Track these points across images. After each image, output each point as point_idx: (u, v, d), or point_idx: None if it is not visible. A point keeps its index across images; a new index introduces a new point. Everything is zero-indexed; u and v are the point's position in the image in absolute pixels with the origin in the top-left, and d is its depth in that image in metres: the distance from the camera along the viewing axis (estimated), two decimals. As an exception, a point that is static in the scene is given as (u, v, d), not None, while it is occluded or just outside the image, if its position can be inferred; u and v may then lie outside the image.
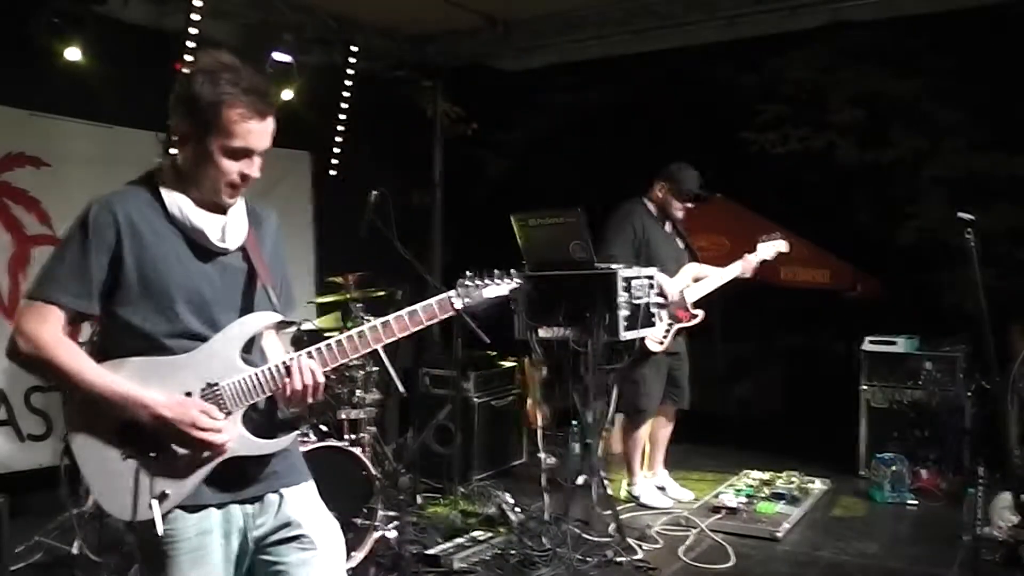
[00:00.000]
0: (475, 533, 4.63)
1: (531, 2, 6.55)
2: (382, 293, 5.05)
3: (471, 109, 8.48)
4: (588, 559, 4.35)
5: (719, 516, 5.02)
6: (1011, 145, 7.49)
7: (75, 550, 4.05)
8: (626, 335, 4.67)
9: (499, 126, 9.81)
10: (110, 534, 4.06)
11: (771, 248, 5.71)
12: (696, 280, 5.50)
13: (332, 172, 7.19)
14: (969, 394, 5.72)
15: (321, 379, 2.04)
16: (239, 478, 2.02)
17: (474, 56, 7.35)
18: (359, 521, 4.05)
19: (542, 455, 5.13)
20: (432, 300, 2.19)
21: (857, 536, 4.87)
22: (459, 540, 4.50)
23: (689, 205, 5.53)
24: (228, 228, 2.06)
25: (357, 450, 4.22)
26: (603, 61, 7.48)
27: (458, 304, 2.20)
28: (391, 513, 4.31)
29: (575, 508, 4.78)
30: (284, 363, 2.03)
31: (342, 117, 7.13)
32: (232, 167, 1.99)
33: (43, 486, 5.03)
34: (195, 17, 5.72)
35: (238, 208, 2.10)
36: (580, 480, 4.95)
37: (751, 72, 8.93)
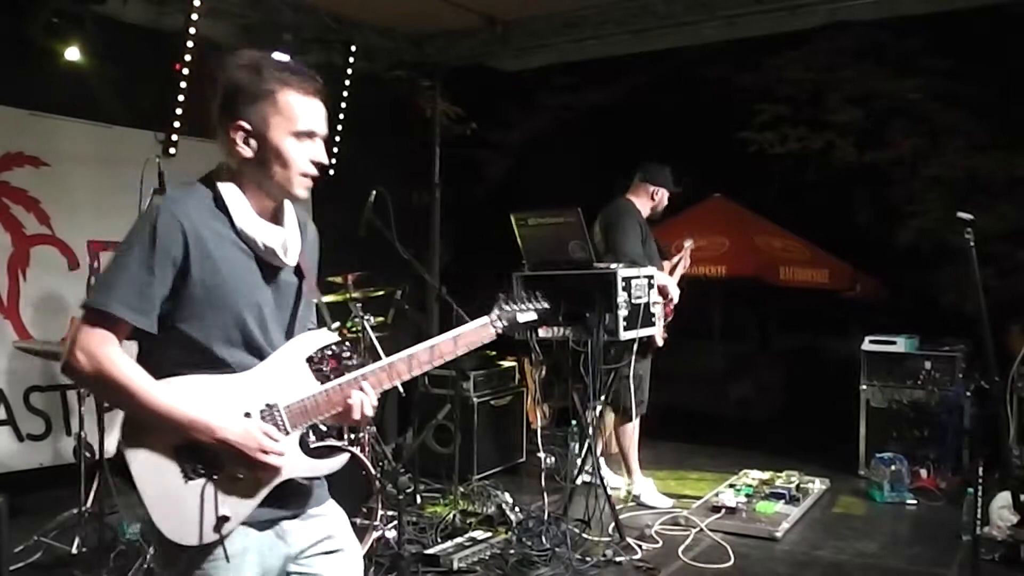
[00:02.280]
0: (474, 533, 4.62)
1: (530, 2, 6.54)
2: (381, 293, 5.05)
3: (470, 109, 8.49)
4: (588, 559, 4.35)
5: (719, 516, 5.01)
6: (1011, 145, 7.49)
7: (74, 550, 4.05)
8: (625, 335, 4.68)
9: (499, 126, 9.83)
10: (110, 534, 4.07)
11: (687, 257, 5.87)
12: None
13: (331, 172, 7.19)
14: (968, 394, 5.72)
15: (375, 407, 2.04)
16: (283, 497, 1.97)
17: (473, 56, 7.35)
18: (359, 521, 4.04)
19: (541, 455, 5.13)
20: (474, 324, 2.19)
21: (856, 536, 4.87)
22: (459, 540, 4.50)
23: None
24: (288, 243, 1.99)
25: (357, 450, 4.22)
26: (602, 61, 7.48)
27: (498, 327, 2.21)
28: (391, 513, 4.31)
29: (574, 508, 4.78)
30: (343, 386, 2.00)
31: (341, 117, 7.13)
32: (302, 153, 1.93)
33: (42, 486, 5.04)
34: (194, 17, 5.72)
35: (291, 219, 2.03)
36: (579, 480, 4.96)
37: (750, 72, 8.95)
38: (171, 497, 1.84)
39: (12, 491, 3.69)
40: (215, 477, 1.86)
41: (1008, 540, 4.37)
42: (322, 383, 2.00)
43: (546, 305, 2.31)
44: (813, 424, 7.20)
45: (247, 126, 1.90)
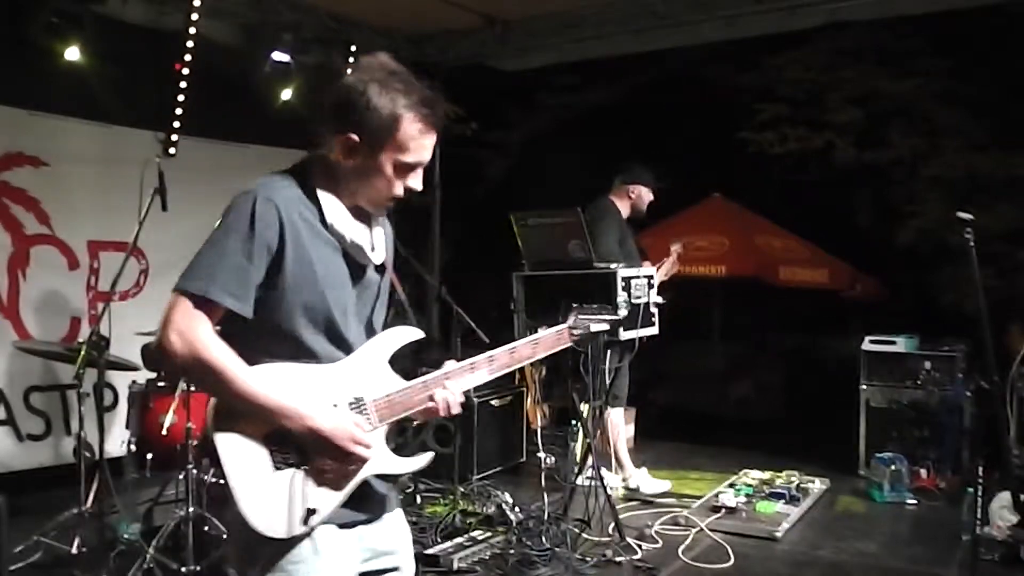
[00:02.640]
0: (475, 533, 4.63)
1: (530, 2, 6.54)
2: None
3: (470, 109, 8.49)
4: (587, 559, 4.36)
5: (719, 516, 5.02)
6: (1011, 145, 7.49)
7: (74, 550, 4.04)
8: (625, 335, 4.67)
9: (499, 126, 9.82)
10: (110, 534, 4.07)
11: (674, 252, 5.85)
12: None
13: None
14: (968, 394, 5.72)
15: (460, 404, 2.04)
16: (363, 498, 1.95)
17: (473, 56, 7.35)
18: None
19: (542, 455, 5.13)
20: (551, 330, 2.22)
21: (856, 535, 4.87)
22: (459, 540, 4.50)
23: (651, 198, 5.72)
24: (376, 242, 2.00)
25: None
26: (602, 61, 7.48)
27: (575, 335, 2.24)
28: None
29: (574, 508, 4.79)
30: (428, 383, 1.99)
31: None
32: (400, 181, 1.92)
33: (42, 486, 5.04)
34: (194, 17, 5.73)
35: (380, 218, 2.04)
36: (579, 480, 4.96)
37: (750, 72, 8.94)
38: (259, 486, 1.81)
39: (12, 491, 3.69)
40: (304, 468, 1.84)
41: (1008, 540, 4.37)
42: (406, 379, 2.00)
43: (618, 316, 2.35)
44: (813, 424, 7.20)
45: (357, 139, 1.87)
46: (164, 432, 3.95)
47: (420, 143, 1.89)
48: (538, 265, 4.89)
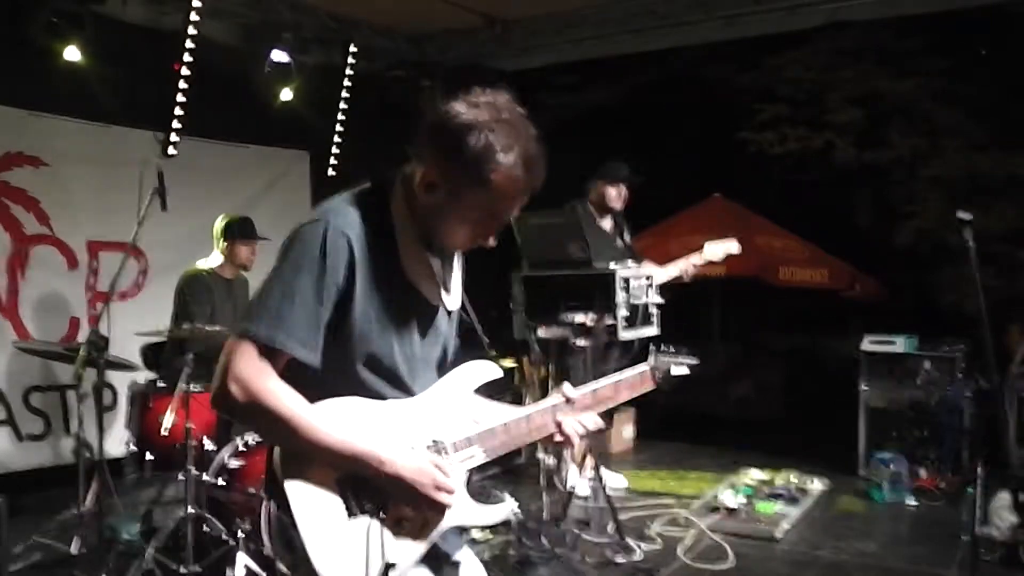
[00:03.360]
0: (475, 533, 4.63)
1: (530, 2, 6.55)
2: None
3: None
4: (587, 559, 4.35)
5: (719, 516, 5.01)
6: (1010, 145, 7.49)
7: (74, 550, 4.04)
8: (625, 335, 4.67)
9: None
10: (110, 534, 4.07)
11: (720, 249, 5.53)
12: None
13: (331, 172, 7.19)
14: (968, 394, 5.72)
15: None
16: (437, 543, 1.81)
17: (473, 56, 7.35)
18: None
19: (542, 455, 5.12)
20: (634, 371, 2.16)
21: (856, 536, 4.87)
22: (458, 540, 4.49)
23: (623, 191, 5.55)
24: (452, 282, 1.86)
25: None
26: (602, 61, 7.48)
27: (657, 377, 2.21)
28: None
29: (574, 508, 4.78)
30: (508, 425, 1.89)
31: (341, 117, 7.13)
32: (477, 232, 1.77)
33: (42, 486, 5.04)
34: (194, 17, 5.73)
35: (457, 255, 1.89)
36: (579, 481, 4.95)
37: (750, 72, 8.93)
38: (333, 538, 1.64)
39: (12, 491, 3.70)
40: (381, 516, 1.68)
41: (1008, 540, 4.36)
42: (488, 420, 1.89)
43: (696, 361, 2.31)
44: (813, 424, 7.20)
45: (443, 180, 1.69)
46: (164, 432, 3.94)
47: (510, 204, 1.73)
48: (538, 265, 4.88)
